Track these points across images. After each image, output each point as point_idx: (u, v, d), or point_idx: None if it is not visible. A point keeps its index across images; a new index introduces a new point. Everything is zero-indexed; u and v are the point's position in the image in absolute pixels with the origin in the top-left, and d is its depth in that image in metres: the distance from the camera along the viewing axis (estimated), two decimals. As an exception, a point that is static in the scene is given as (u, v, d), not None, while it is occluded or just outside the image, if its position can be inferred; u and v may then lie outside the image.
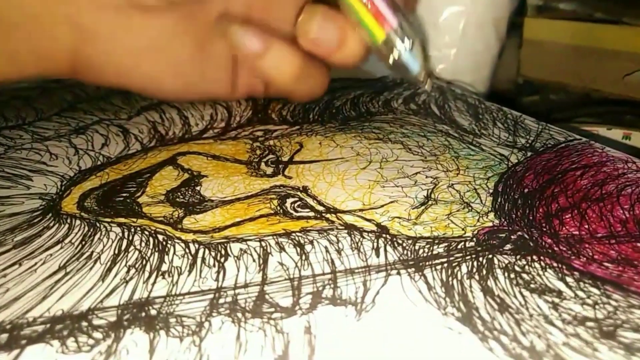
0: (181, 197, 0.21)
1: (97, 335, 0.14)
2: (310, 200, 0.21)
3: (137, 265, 0.17)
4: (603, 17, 0.38)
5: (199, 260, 0.17)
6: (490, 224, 0.19)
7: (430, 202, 0.21)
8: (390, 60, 0.24)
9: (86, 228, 0.19)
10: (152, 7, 0.23)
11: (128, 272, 0.17)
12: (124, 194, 0.22)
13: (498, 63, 0.43)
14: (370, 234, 0.18)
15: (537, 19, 0.42)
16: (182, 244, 0.18)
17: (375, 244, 0.18)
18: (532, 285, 0.16)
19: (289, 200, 0.21)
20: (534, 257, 0.17)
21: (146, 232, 0.19)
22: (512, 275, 0.16)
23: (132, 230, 0.19)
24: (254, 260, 0.17)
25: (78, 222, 0.20)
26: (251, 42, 0.25)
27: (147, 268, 0.17)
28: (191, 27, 0.25)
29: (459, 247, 0.18)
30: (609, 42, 0.37)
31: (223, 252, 0.18)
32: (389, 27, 0.23)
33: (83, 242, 0.18)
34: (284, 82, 0.26)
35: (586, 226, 0.19)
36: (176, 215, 0.20)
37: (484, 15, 0.40)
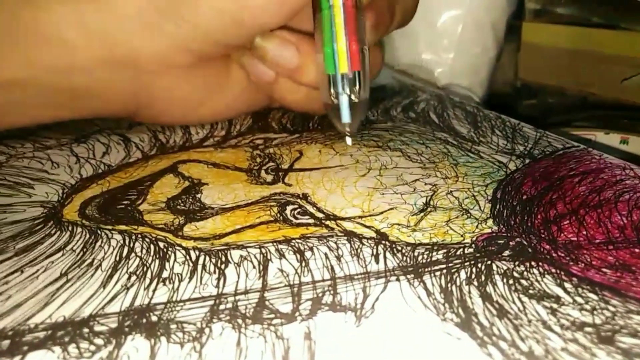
0: (182, 204, 0.22)
1: (99, 341, 0.14)
2: (310, 208, 0.21)
3: (138, 272, 0.17)
4: (601, 21, 0.39)
5: (199, 267, 0.17)
6: (489, 230, 0.19)
7: (429, 209, 0.21)
8: (332, 96, 0.23)
9: (87, 235, 0.19)
10: (190, 64, 0.25)
11: (129, 278, 0.17)
12: (125, 202, 0.22)
13: (496, 66, 0.43)
14: (369, 241, 0.19)
15: (535, 23, 0.42)
16: (183, 251, 0.18)
17: (374, 251, 0.18)
18: (530, 291, 0.16)
19: (289, 208, 0.21)
20: (533, 263, 0.17)
21: (147, 240, 0.19)
22: (511, 281, 0.16)
23: (133, 237, 0.19)
24: (254, 267, 0.17)
25: (79, 229, 0.20)
26: (263, 72, 0.27)
27: (148, 275, 0.17)
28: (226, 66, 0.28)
29: (457, 253, 0.18)
30: (607, 47, 0.38)
31: (223, 258, 0.18)
32: (355, 67, 0.23)
33: (84, 250, 0.18)
34: (294, 106, 0.29)
35: (584, 232, 0.19)
36: (177, 223, 0.20)
37: (482, 19, 0.41)
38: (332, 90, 0.23)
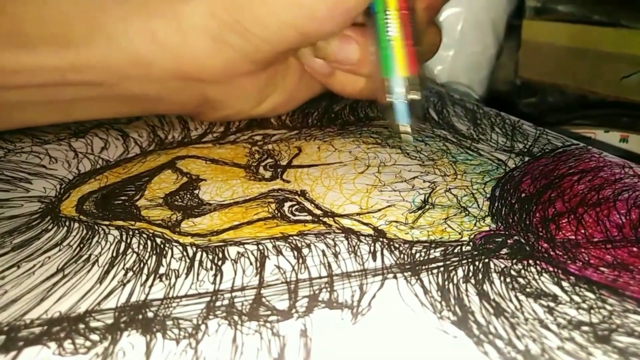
0: (179, 200, 0.22)
1: (94, 337, 0.14)
2: (308, 204, 0.21)
3: (134, 268, 0.17)
4: (601, 19, 0.39)
5: (196, 263, 0.17)
6: (487, 228, 0.19)
7: (427, 207, 0.21)
8: (387, 99, 0.24)
9: (84, 231, 0.19)
10: (254, 71, 0.26)
11: (126, 274, 0.17)
12: (123, 197, 0.22)
13: (496, 64, 0.43)
14: (367, 238, 0.19)
15: (535, 21, 0.42)
16: (180, 247, 0.18)
17: (372, 248, 0.18)
18: (527, 290, 0.16)
19: (287, 204, 0.21)
20: (530, 261, 0.17)
21: (144, 235, 0.19)
22: (508, 280, 0.16)
23: (130, 233, 0.19)
24: (251, 264, 0.17)
25: (76, 225, 0.20)
26: (321, 67, 0.27)
27: (145, 271, 0.17)
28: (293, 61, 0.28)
29: (455, 251, 0.18)
30: (607, 45, 0.37)
31: (220, 255, 0.18)
32: (412, 71, 0.23)
33: (81, 245, 0.18)
34: (354, 96, 0.29)
35: (582, 231, 0.19)
36: (174, 219, 0.20)
37: (482, 17, 0.40)
38: (388, 92, 0.24)
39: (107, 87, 0.24)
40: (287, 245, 0.18)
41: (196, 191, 0.22)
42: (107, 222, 0.20)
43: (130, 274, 0.17)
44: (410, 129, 0.24)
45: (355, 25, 0.25)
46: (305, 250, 0.18)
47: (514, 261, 0.17)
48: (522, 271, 0.17)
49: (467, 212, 0.20)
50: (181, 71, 0.24)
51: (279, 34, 0.23)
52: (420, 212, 0.20)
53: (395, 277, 0.16)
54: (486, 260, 0.17)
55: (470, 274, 0.16)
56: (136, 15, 0.23)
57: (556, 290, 0.16)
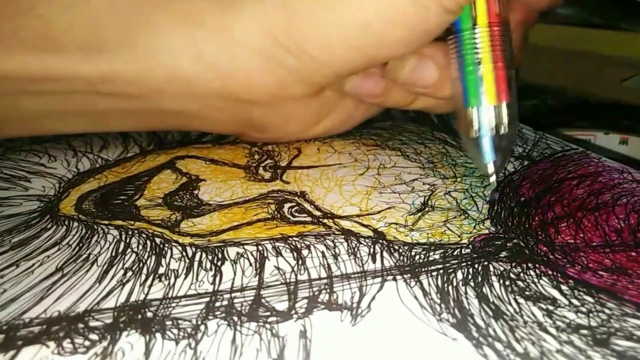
0: (179, 200, 0.22)
1: (93, 337, 0.14)
2: (307, 206, 0.21)
3: (134, 268, 0.17)
4: (601, 22, 0.39)
5: (195, 264, 0.17)
6: (487, 231, 0.19)
7: (427, 209, 0.21)
8: (471, 134, 0.20)
9: (84, 230, 0.19)
10: (308, 94, 0.23)
11: (125, 274, 0.17)
12: (122, 197, 0.22)
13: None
14: (366, 240, 0.19)
15: (535, 24, 0.42)
16: (179, 247, 0.18)
17: (371, 250, 0.18)
18: (526, 293, 0.16)
19: (287, 205, 0.21)
20: (529, 264, 0.17)
21: (143, 235, 0.19)
22: (507, 283, 0.16)
23: (130, 233, 0.19)
24: (250, 264, 0.17)
25: (76, 224, 0.20)
26: (373, 89, 0.24)
27: (144, 271, 0.17)
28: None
29: (455, 253, 0.18)
30: (607, 47, 0.38)
31: (220, 255, 0.18)
32: (503, 99, 0.20)
33: (80, 244, 0.18)
34: (412, 109, 0.26)
35: (581, 235, 0.19)
36: (174, 219, 0.20)
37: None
38: (474, 125, 0.20)
39: (143, 101, 0.22)
40: (286, 246, 0.18)
41: (196, 191, 0.22)
42: (106, 222, 0.20)
43: (129, 273, 0.17)
44: (494, 169, 0.21)
45: (434, 41, 0.21)
46: (304, 252, 0.18)
47: (513, 264, 0.17)
48: (521, 274, 0.17)
49: (466, 215, 0.20)
50: (226, 91, 0.22)
51: (344, 59, 0.21)
52: (419, 214, 0.20)
53: (394, 279, 0.16)
54: (485, 263, 0.17)
55: (470, 277, 0.16)
56: (179, 24, 0.20)
57: (555, 293, 0.16)
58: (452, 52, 0.21)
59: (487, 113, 0.20)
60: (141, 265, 0.17)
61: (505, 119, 0.20)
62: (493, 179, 0.21)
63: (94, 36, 0.20)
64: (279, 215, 0.20)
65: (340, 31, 0.20)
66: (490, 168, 0.21)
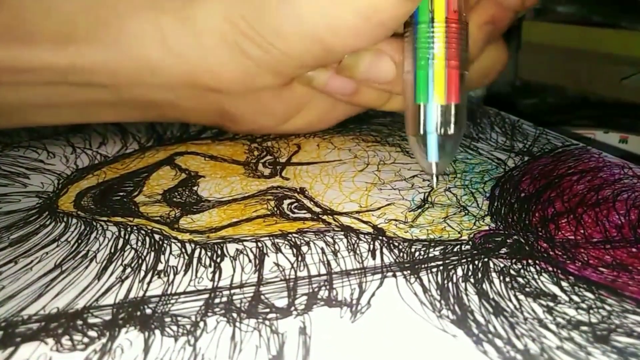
0: (178, 197, 0.21)
1: (92, 333, 0.14)
2: (307, 202, 0.21)
3: (133, 265, 0.17)
4: (600, 20, 0.39)
5: (194, 260, 0.17)
6: (487, 227, 0.19)
7: (427, 205, 0.21)
8: (420, 130, 0.20)
9: (82, 227, 0.19)
10: (276, 86, 0.23)
11: (124, 271, 0.17)
12: (121, 193, 0.22)
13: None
14: (366, 236, 0.19)
15: (535, 22, 0.42)
16: (179, 244, 0.18)
17: (371, 246, 0.18)
18: (527, 289, 0.16)
19: (286, 202, 0.21)
20: (530, 261, 0.17)
21: (142, 232, 0.19)
22: (507, 279, 0.16)
23: (129, 229, 0.19)
24: (250, 261, 0.17)
25: (74, 220, 0.20)
26: (341, 86, 0.24)
27: (143, 267, 0.17)
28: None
29: (454, 250, 0.18)
30: (606, 46, 0.38)
31: (219, 252, 0.18)
32: (452, 99, 0.20)
33: (79, 241, 0.18)
34: (387, 109, 0.25)
35: (582, 231, 0.19)
36: (173, 215, 0.20)
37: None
38: (420, 122, 0.20)
39: (115, 91, 0.22)
40: (286, 242, 0.18)
41: (195, 188, 0.22)
42: (105, 218, 0.20)
43: (128, 270, 0.17)
44: (437, 169, 0.21)
45: (393, 36, 0.21)
46: (304, 248, 0.18)
47: (513, 260, 0.17)
48: (522, 271, 0.17)
49: (466, 211, 0.20)
50: (194, 79, 0.22)
51: (302, 48, 0.21)
52: (419, 210, 0.20)
53: (394, 275, 0.16)
54: (485, 259, 0.17)
55: (470, 273, 0.16)
56: (145, 12, 0.20)
57: (555, 290, 0.16)
58: (407, 45, 0.21)
59: (435, 111, 0.20)
60: (140, 261, 0.17)
61: (452, 120, 0.20)
62: (434, 180, 0.21)
63: (63, 26, 0.20)
64: (278, 211, 0.20)
65: (295, 18, 0.20)
66: (434, 168, 0.20)
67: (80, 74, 0.21)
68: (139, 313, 0.15)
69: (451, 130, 0.20)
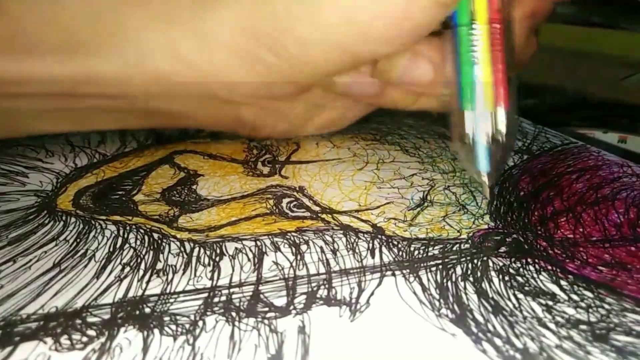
0: (177, 195, 0.21)
1: (91, 332, 0.14)
2: (306, 201, 0.21)
3: (131, 264, 0.17)
4: (600, 21, 0.39)
5: (193, 259, 0.17)
6: (486, 226, 0.19)
7: (426, 204, 0.21)
8: (465, 139, 0.19)
9: (81, 225, 0.19)
10: (292, 94, 0.23)
11: (123, 270, 0.17)
12: (120, 192, 0.22)
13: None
14: (365, 235, 0.19)
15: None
16: (177, 243, 0.18)
17: (370, 245, 0.18)
18: (526, 288, 0.16)
19: (285, 200, 0.21)
20: (529, 259, 0.17)
21: (141, 230, 0.19)
22: (507, 278, 0.16)
23: (127, 228, 0.19)
24: (249, 260, 0.17)
25: (73, 219, 0.20)
26: (367, 89, 0.23)
27: (142, 266, 0.17)
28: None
29: (454, 249, 0.18)
30: (606, 46, 0.37)
31: (218, 251, 0.18)
32: (499, 106, 0.18)
33: (78, 240, 0.18)
34: (410, 109, 0.24)
35: (581, 230, 0.19)
36: (172, 214, 0.20)
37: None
38: (467, 129, 0.19)
39: (126, 101, 0.21)
40: (285, 241, 0.18)
41: (194, 186, 0.22)
42: (104, 217, 0.20)
43: (127, 269, 0.17)
44: (487, 179, 0.19)
45: (429, 35, 0.20)
46: (303, 247, 0.18)
47: (513, 259, 0.17)
48: (521, 269, 0.17)
49: (465, 210, 0.20)
50: (209, 91, 0.21)
51: (327, 57, 0.20)
52: (418, 209, 0.20)
53: (393, 274, 0.16)
54: (485, 258, 0.17)
55: (469, 272, 0.16)
56: (154, 23, 0.20)
57: (554, 288, 0.16)
58: (449, 48, 0.19)
59: (483, 119, 0.18)
60: (139, 260, 0.17)
61: (502, 127, 0.19)
62: (487, 191, 0.20)
63: (67, 37, 0.20)
64: (277, 210, 0.20)
65: (319, 25, 0.19)
66: (485, 179, 0.19)
67: (88, 85, 0.20)
68: (137, 312, 0.15)
69: (502, 139, 0.19)
